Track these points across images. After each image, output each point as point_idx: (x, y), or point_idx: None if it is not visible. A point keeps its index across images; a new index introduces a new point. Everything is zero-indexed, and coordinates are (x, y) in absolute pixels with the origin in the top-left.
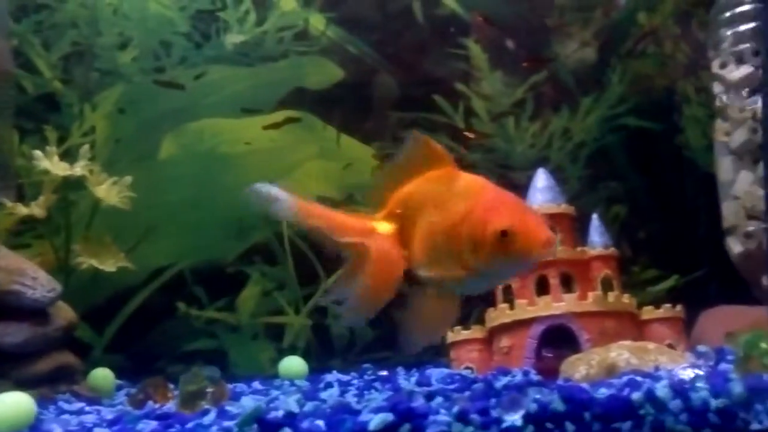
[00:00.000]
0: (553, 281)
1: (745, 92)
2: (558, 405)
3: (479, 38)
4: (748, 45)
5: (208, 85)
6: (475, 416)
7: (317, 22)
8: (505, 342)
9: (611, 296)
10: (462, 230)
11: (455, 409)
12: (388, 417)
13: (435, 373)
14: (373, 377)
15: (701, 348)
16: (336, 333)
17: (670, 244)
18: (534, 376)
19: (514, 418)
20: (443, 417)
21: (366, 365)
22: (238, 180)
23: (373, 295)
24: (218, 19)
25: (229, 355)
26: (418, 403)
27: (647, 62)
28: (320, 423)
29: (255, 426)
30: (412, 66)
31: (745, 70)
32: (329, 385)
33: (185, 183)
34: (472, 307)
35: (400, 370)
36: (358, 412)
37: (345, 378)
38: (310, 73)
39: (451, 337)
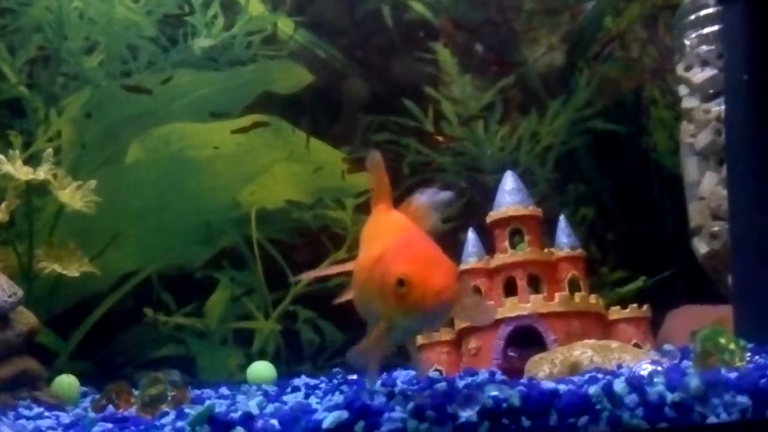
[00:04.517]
0: (521, 282)
1: (709, 94)
2: (514, 400)
3: (448, 42)
4: (712, 47)
5: (175, 90)
6: (430, 412)
7: (286, 26)
8: (473, 344)
9: (578, 297)
10: (372, 275)
11: (410, 405)
12: (343, 414)
13: (401, 375)
14: (341, 381)
15: (667, 347)
16: (305, 338)
17: (638, 246)
18: (499, 377)
19: (470, 414)
20: (398, 414)
21: (336, 369)
22: (206, 184)
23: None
24: (186, 23)
25: (198, 361)
26: (374, 400)
27: (614, 66)
28: (274, 422)
29: (206, 426)
30: (382, 70)
31: (709, 72)
32: (296, 389)
33: (152, 187)
34: None
35: None
36: (314, 411)
37: (313, 382)
38: (279, 78)
39: (420, 339)
